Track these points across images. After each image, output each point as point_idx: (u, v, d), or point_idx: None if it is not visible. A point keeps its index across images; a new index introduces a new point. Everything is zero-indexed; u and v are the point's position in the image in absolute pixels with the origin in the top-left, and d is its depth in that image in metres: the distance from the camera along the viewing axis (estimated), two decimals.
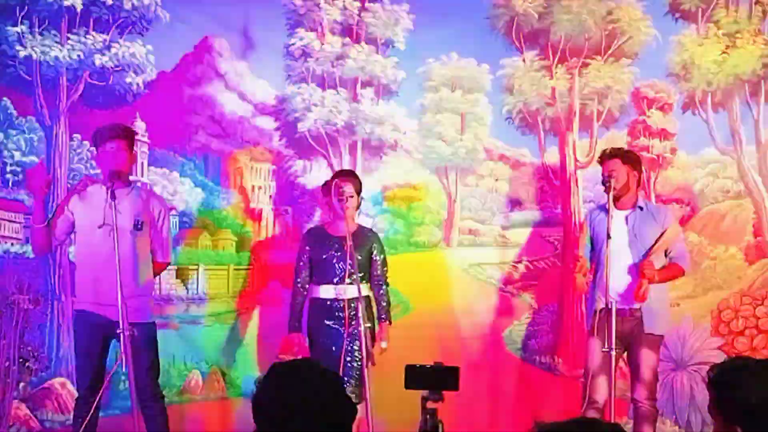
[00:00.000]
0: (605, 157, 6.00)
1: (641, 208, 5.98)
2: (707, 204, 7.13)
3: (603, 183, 5.89)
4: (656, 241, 5.90)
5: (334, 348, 5.96)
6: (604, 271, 5.70)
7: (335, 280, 6.02)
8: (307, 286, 6.16)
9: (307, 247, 6.15)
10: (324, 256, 6.04)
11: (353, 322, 5.90)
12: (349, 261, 5.88)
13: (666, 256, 5.99)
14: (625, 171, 5.91)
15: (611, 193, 5.81)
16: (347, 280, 5.97)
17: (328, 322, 6.01)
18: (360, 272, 5.91)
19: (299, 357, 5.93)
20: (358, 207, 6.15)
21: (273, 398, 2.63)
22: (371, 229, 6.39)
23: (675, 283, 6.35)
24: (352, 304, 5.89)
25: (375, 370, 5.77)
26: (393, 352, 6.07)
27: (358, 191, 6.10)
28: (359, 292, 5.72)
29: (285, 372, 2.69)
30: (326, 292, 6.04)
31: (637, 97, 7.20)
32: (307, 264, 6.15)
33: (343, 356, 5.90)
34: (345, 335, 5.96)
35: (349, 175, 6.20)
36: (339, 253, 6.01)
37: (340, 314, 5.99)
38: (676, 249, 6.00)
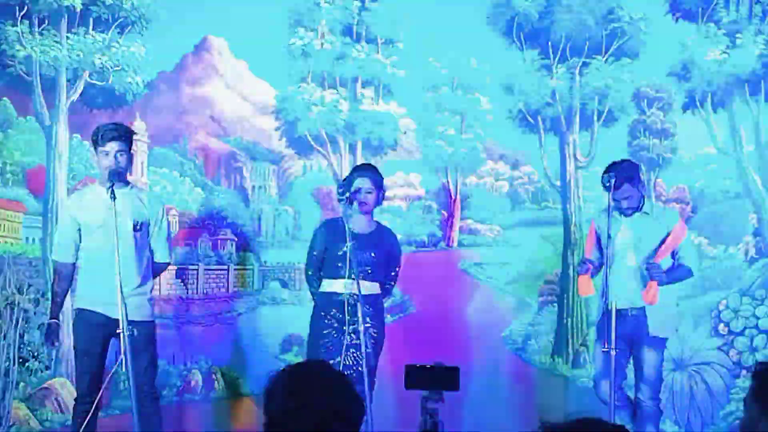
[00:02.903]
0: (614, 186, 5.85)
1: (644, 212, 5.98)
2: (707, 204, 7.13)
3: (603, 183, 5.89)
4: (662, 243, 5.91)
5: (342, 343, 5.79)
6: (606, 272, 5.74)
7: (350, 276, 5.73)
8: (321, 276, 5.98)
9: (324, 239, 5.94)
10: (340, 252, 5.79)
11: (367, 318, 5.69)
12: (351, 259, 5.77)
13: (673, 257, 5.98)
14: (635, 189, 5.91)
15: (611, 193, 5.82)
16: (361, 277, 5.73)
17: (338, 317, 5.80)
18: (374, 271, 5.85)
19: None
20: (379, 202, 5.95)
21: (283, 399, 2.64)
22: (390, 230, 6.14)
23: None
24: (368, 300, 5.75)
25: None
26: (393, 352, 6.06)
27: (379, 186, 5.89)
28: (376, 288, 5.67)
29: (295, 372, 2.70)
30: (338, 286, 5.83)
31: (637, 97, 7.20)
32: (322, 255, 5.94)
33: (358, 351, 5.67)
34: (360, 331, 5.80)
35: (368, 170, 5.98)
36: (357, 250, 5.69)
37: (353, 310, 5.71)
38: (683, 250, 5.99)
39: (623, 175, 5.89)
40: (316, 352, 5.83)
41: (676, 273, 5.96)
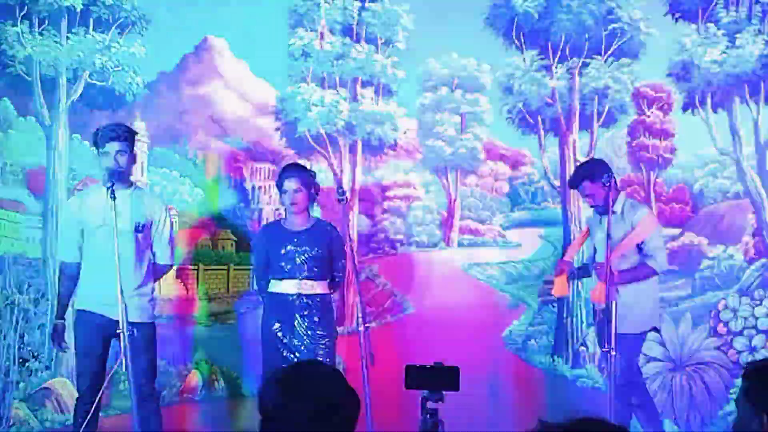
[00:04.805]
0: (573, 186, 6.03)
1: (614, 212, 5.91)
2: (707, 204, 7.14)
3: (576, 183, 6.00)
4: (620, 242, 5.87)
5: (293, 344, 5.82)
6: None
7: (297, 276, 5.85)
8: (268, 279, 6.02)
9: (264, 244, 5.99)
10: (283, 252, 5.87)
11: (316, 319, 5.81)
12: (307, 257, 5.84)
13: (642, 253, 5.94)
14: (598, 187, 5.85)
15: (609, 193, 5.87)
16: (309, 276, 5.85)
17: (288, 318, 5.83)
18: (318, 268, 5.85)
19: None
20: (312, 200, 5.95)
21: (276, 395, 2.64)
22: (330, 223, 6.10)
23: (675, 282, 6.35)
24: (317, 300, 5.83)
25: (375, 370, 5.76)
26: (393, 352, 6.06)
27: (307, 184, 5.88)
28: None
29: (288, 370, 2.71)
30: (285, 287, 5.88)
31: (637, 97, 7.20)
32: (265, 260, 5.98)
33: (307, 353, 5.77)
34: (309, 332, 5.82)
35: (294, 169, 5.99)
36: (298, 248, 5.86)
37: (303, 311, 5.83)
38: (649, 247, 5.90)
39: (582, 173, 5.94)
40: (270, 353, 5.85)
41: (635, 272, 5.88)
